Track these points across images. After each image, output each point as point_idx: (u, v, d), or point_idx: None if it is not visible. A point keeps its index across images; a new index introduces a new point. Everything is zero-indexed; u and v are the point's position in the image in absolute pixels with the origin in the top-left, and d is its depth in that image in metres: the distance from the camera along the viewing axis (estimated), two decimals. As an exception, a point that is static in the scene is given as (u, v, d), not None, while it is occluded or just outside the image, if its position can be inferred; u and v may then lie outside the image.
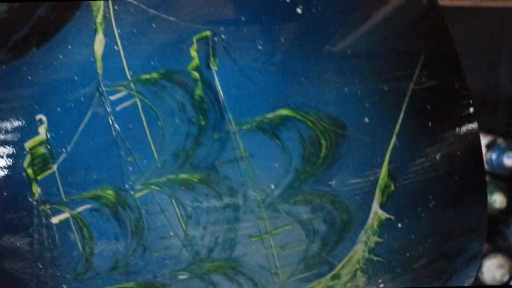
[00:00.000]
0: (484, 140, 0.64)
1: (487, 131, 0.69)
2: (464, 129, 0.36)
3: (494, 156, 0.61)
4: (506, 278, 0.55)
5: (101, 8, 0.35)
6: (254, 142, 0.35)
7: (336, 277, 0.38)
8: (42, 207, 0.36)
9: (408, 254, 0.38)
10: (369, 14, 0.36)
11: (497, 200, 0.57)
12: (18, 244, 0.37)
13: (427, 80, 0.35)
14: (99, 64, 0.34)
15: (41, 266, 0.37)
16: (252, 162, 0.35)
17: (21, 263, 0.37)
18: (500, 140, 0.60)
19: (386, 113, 0.35)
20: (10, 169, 0.36)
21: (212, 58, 0.34)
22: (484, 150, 0.58)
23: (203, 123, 0.34)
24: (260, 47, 0.34)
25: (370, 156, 0.35)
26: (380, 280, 0.39)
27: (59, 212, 0.37)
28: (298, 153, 0.35)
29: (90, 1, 0.35)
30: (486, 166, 0.62)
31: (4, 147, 0.36)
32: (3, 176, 0.36)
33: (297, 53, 0.34)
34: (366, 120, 0.35)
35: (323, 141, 0.35)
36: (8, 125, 0.36)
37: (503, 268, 0.57)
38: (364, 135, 0.35)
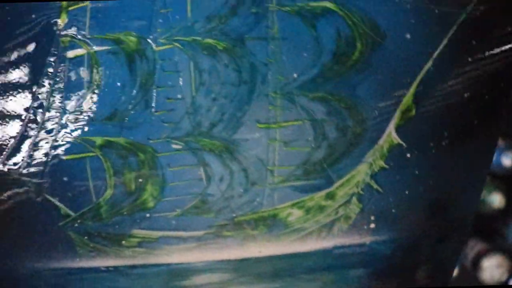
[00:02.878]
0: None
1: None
2: (501, 71, 0.35)
3: (493, 155, 0.59)
4: (505, 277, 0.56)
5: None
6: (289, 26, 0.33)
7: (331, 196, 0.36)
8: (63, 39, 0.35)
9: (407, 192, 0.37)
10: None
11: (496, 199, 0.57)
12: (29, 71, 0.35)
13: (481, 14, 0.34)
14: None
15: (44, 96, 0.36)
16: (281, 45, 0.33)
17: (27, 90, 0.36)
18: (499, 140, 0.59)
19: (430, 34, 0.33)
20: None
21: None
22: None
23: (244, -9, 0.33)
24: None
25: (402, 74, 0.34)
26: (372, 218, 0.38)
27: (75, 47, 0.35)
28: (330, 49, 0.33)
29: None
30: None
31: None
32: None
33: None
34: (408, 36, 0.33)
35: (358, 44, 0.33)
36: None
37: (502, 267, 0.57)
38: (402, 51, 0.33)
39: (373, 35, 0.33)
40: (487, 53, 0.34)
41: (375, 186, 0.36)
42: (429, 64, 0.34)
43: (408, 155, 0.35)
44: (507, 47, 0.34)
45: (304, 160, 0.35)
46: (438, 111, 0.35)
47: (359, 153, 0.35)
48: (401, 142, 0.35)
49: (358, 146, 0.35)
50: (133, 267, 0.39)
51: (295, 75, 0.33)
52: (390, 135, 0.35)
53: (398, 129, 0.35)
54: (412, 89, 0.34)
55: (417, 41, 0.33)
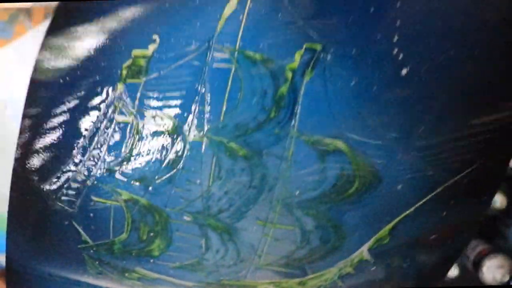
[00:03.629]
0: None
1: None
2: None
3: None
4: (507, 278, 0.56)
5: None
6: (302, 152, 0.39)
7: (303, 284, 0.44)
8: (116, 103, 0.41)
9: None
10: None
11: (497, 200, 0.57)
12: (84, 118, 0.42)
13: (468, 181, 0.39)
14: (221, 23, 0.37)
15: (87, 145, 0.42)
16: (292, 166, 0.39)
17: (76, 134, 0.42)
18: None
19: (417, 188, 0.39)
20: (110, 62, 0.40)
21: (309, 69, 0.37)
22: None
23: (272, 115, 0.38)
24: (353, 83, 0.37)
25: (384, 212, 0.40)
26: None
27: (125, 114, 0.41)
28: (332, 181, 0.39)
29: None
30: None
31: (114, 44, 0.40)
32: (101, 65, 0.41)
33: (381, 105, 0.37)
34: (399, 187, 0.39)
35: (356, 183, 0.39)
36: (127, 31, 0.40)
37: (503, 268, 0.57)
38: (391, 197, 0.39)
39: (372, 179, 0.39)
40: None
41: (340, 283, 0.43)
42: (411, 210, 0.40)
43: (373, 268, 0.42)
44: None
45: (288, 254, 0.42)
46: (410, 241, 0.42)
47: (333, 260, 0.42)
48: (370, 259, 0.42)
49: (334, 255, 0.42)
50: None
51: (297, 193, 0.40)
52: (362, 252, 0.41)
53: (370, 250, 0.41)
54: (390, 225, 0.40)
55: (406, 192, 0.39)
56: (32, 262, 0.47)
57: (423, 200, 0.39)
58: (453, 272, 0.58)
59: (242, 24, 0.37)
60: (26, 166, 0.44)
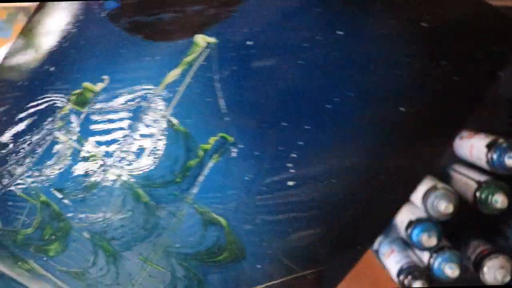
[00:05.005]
0: (485, 140, 0.61)
1: (488, 131, 0.64)
2: None
3: (495, 156, 0.59)
4: (508, 279, 0.56)
5: (195, 55, 0.46)
6: (191, 216, 0.47)
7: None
8: (59, 122, 0.49)
9: None
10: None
11: (499, 200, 0.57)
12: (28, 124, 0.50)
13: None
14: (161, 87, 0.46)
15: (27, 149, 0.50)
16: (179, 224, 0.47)
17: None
18: (501, 140, 0.59)
19: (273, 272, 0.48)
20: (65, 85, 0.49)
21: (217, 154, 0.46)
22: (485, 150, 0.60)
23: (178, 180, 0.46)
24: (246, 178, 0.46)
25: (242, 282, 0.48)
26: None
27: (64, 134, 0.49)
28: (207, 245, 0.47)
29: (195, 41, 0.46)
30: (487, 166, 0.61)
31: (72, 70, 0.49)
32: (56, 83, 0.49)
33: (262, 201, 0.46)
34: (259, 266, 0.48)
35: (225, 253, 0.47)
36: (87, 62, 0.49)
37: (504, 268, 0.57)
38: (250, 271, 0.48)
39: (238, 254, 0.47)
40: None
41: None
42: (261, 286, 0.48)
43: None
44: None
45: (156, 291, 0.50)
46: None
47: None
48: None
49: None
50: (14, 281, 0.53)
51: (177, 245, 0.48)
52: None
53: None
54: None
55: (263, 271, 0.48)
56: None
57: (274, 282, 0.47)
58: (454, 272, 0.59)
59: (178, 95, 0.46)
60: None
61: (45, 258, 0.52)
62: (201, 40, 0.45)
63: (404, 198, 0.48)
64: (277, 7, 0.44)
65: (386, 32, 0.43)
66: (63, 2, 0.52)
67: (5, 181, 0.51)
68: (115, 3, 0.48)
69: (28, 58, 0.51)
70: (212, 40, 0.45)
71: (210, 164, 0.46)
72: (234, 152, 0.45)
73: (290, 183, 0.45)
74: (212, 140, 0.46)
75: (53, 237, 0.51)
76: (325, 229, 0.46)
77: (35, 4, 0.57)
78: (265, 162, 0.45)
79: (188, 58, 0.46)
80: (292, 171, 0.45)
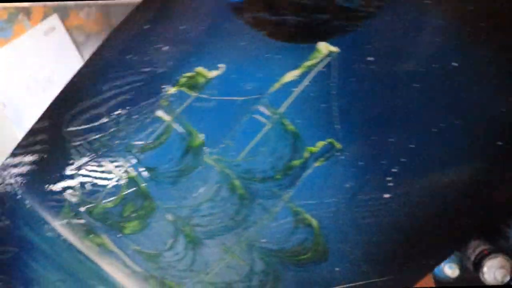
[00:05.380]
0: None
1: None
2: None
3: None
4: (507, 278, 0.55)
5: (316, 60, 0.47)
6: (284, 214, 0.48)
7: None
8: (162, 100, 0.49)
9: None
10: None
11: None
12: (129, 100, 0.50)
13: None
14: (277, 84, 0.47)
15: (123, 117, 0.50)
16: (270, 220, 0.48)
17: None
18: None
19: (350, 275, 0.49)
20: (176, 65, 0.49)
21: (322, 159, 0.47)
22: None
23: (278, 177, 0.47)
24: (347, 185, 0.47)
25: (317, 283, 0.49)
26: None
27: (166, 113, 0.49)
28: (292, 244, 0.48)
29: (318, 47, 0.47)
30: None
31: (187, 53, 0.49)
32: (168, 63, 0.49)
33: (359, 214, 0.48)
34: (337, 269, 0.49)
35: (309, 254, 0.48)
36: (203, 48, 0.49)
37: (504, 268, 0.57)
38: (328, 274, 0.49)
39: (321, 256, 0.48)
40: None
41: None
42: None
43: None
44: None
45: (229, 282, 0.50)
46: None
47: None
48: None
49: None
50: (80, 252, 0.52)
51: (263, 240, 0.49)
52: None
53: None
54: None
55: (341, 275, 0.49)
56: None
57: (347, 285, 0.49)
58: (454, 272, 0.59)
59: (294, 95, 0.47)
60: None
61: (119, 235, 0.51)
62: (324, 47, 0.47)
63: (487, 226, 0.51)
64: (401, 30, 0.47)
65: (496, 72, 0.47)
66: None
67: (95, 151, 0.51)
68: None
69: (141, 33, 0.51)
70: (334, 49, 0.47)
71: (313, 166, 0.47)
72: (339, 159, 0.47)
73: (386, 195, 0.47)
74: (320, 144, 0.47)
75: (134, 215, 0.50)
76: (407, 241, 0.49)
77: (35, 4, 0.57)
78: (367, 173, 0.47)
79: (309, 63, 0.47)
80: (390, 184, 0.47)
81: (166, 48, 0.50)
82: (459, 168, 0.47)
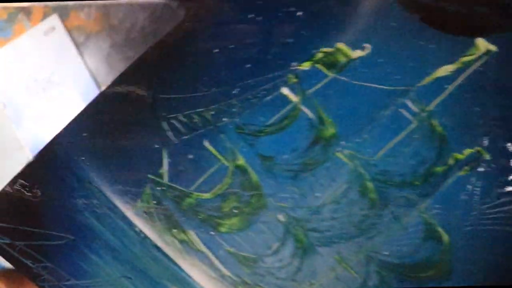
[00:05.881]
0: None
1: None
2: None
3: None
4: None
5: (473, 57, 0.41)
6: (415, 225, 0.42)
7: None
8: (291, 76, 0.41)
9: None
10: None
11: None
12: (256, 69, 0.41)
13: None
14: (429, 78, 0.41)
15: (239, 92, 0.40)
16: (399, 230, 0.42)
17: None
18: None
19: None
20: (311, 36, 0.40)
21: (468, 167, 0.41)
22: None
23: (417, 183, 0.41)
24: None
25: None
26: None
27: (293, 91, 0.41)
28: (417, 259, 0.43)
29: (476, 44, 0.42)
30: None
31: (326, 24, 0.41)
32: (301, 32, 0.40)
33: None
34: None
35: (434, 269, 0.43)
36: (346, 22, 0.41)
37: None
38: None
39: (444, 274, 0.44)
40: None
41: None
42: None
43: None
44: None
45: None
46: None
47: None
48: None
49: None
50: (157, 248, 0.42)
51: (385, 253, 0.43)
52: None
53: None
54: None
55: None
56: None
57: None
58: None
59: (446, 93, 0.41)
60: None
61: (212, 232, 0.42)
62: (482, 44, 0.42)
63: None
64: None
65: None
66: None
67: (194, 127, 0.40)
68: None
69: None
70: (493, 48, 0.42)
71: (456, 176, 0.42)
72: (484, 171, 0.42)
73: None
74: (467, 151, 0.42)
75: (236, 211, 0.41)
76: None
77: (35, 4, 0.57)
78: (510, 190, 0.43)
79: (466, 58, 0.41)
80: None
81: (300, 13, 0.41)
82: None
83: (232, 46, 0.41)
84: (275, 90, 0.41)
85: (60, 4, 0.58)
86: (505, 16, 0.42)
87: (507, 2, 0.42)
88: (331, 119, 0.41)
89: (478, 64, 0.42)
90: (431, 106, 0.41)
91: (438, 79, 0.41)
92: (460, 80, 0.41)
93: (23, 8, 0.59)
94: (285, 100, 0.41)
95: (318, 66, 0.41)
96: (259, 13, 0.41)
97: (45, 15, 0.57)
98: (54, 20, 0.57)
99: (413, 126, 0.41)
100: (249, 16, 0.41)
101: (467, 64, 0.41)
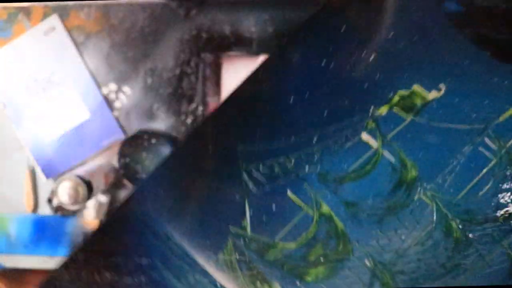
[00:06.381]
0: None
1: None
2: None
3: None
4: None
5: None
6: (500, 263, 0.42)
7: None
8: (370, 121, 0.41)
9: None
10: None
11: None
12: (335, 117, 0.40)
13: None
14: (507, 114, 0.41)
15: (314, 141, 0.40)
16: (486, 267, 0.42)
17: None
18: None
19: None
20: (387, 81, 0.40)
21: None
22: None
23: (500, 219, 0.42)
24: None
25: None
26: None
27: (373, 136, 0.41)
28: None
29: None
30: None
31: (398, 66, 0.41)
32: (375, 77, 0.41)
33: None
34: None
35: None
36: (419, 62, 0.41)
37: None
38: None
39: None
40: None
41: None
42: None
43: None
44: None
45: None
46: None
47: None
48: None
49: None
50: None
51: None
52: None
53: None
54: None
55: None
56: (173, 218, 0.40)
57: None
58: None
59: None
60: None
61: (298, 283, 0.41)
62: None
63: None
64: None
65: None
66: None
67: (275, 178, 0.40)
68: (457, 5, 0.42)
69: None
70: None
71: None
72: None
73: None
74: None
75: (322, 259, 0.41)
76: None
77: (35, 4, 0.58)
78: None
79: None
80: None
81: (372, 57, 0.41)
82: None
83: (308, 93, 0.41)
84: (354, 136, 0.41)
85: (60, 4, 0.58)
86: None
87: None
88: (412, 161, 0.41)
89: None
90: (510, 142, 0.41)
91: (515, 115, 0.42)
92: (536, 115, 0.42)
93: (23, 8, 0.59)
94: (365, 145, 0.41)
95: (395, 109, 0.41)
96: (332, 59, 0.41)
97: (45, 15, 0.57)
98: (54, 20, 0.57)
99: (493, 163, 0.41)
100: (322, 63, 0.41)
101: (542, 99, 0.42)
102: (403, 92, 0.41)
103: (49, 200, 0.51)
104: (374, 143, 0.41)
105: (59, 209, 0.50)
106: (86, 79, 0.54)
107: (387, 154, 0.41)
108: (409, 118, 0.41)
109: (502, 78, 0.42)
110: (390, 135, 0.41)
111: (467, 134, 0.41)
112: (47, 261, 0.49)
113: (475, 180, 0.41)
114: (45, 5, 0.58)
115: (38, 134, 0.55)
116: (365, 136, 0.41)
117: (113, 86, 0.53)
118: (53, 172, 0.53)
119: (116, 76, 0.53)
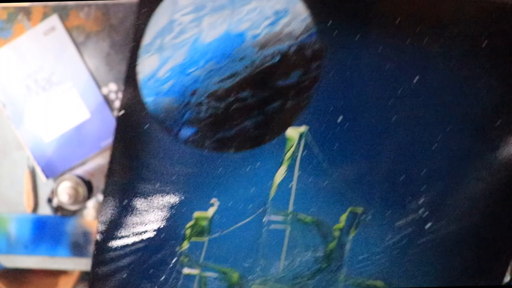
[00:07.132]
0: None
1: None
2: None
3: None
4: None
5: (293, 148, 0.46)
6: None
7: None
8: (182, 258, 0.49)
9: None
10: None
11: None
12: (151, 274, 0.49)
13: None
14: (273, 189, 0.46)
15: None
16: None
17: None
18: None
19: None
20: (175, 223, 0.48)
21: (353, 229, 0.48)
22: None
23: (324, 266, 0.48)
24: (389, 237, 0.46)
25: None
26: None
27: (191, 267, 0.50)
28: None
29: (288, 136, 0.45)
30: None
31: (178, 209, 0.49)
32: (168, 226, 0.49)
33: (412, 256, 0.46)
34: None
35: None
36: (186, 196, 0.49)
37: None
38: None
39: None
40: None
41: None
42: None
43: None
44: None
45: None
46: None
47: None
48: None
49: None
50: None
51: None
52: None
53: None
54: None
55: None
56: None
57: None
58: None
59: (293, 191, 0.46)
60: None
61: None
62: (293, 132, 0.45)
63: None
64: (350, 81, 0.46)
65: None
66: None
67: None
68: (190, 129, 0.48)
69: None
70: (303, 129, 0.45)
71: (350, 239, 0.48)
72: (367, 219, 0.47)
73: (427, 225, 0.46)
74: (343, 217, 0.47)
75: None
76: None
77: (35, 4, 0.59)
78: (399, 218, 0.46)
79: (289, 154, 0.46)
80: (426, 213, 0.46)
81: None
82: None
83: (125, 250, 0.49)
84: (179, 274, 0.49)
85: (60, 4, 0.57)
86: (297, 95, 0.46)
87: (288, 83, 0.46)
88: (229, 267, 0.49)
89: (301, 150, 0.47)
90: (291, 207, 0.48)
91: (281, 184, 0.48)
92: (296, 173, 0.47)
93: (23, 8, 0.57)
94: (190, 277, 0.49)
95: (193, 239, 0.50)
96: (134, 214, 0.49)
97: (45, 15, 0.57)
98: (54, 20, 0.57)
99: (288, 230, 0.49)
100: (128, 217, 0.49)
101: (293, 156, 0.47)
102: (189, 224, 0.49)
103: (49, 200, 0.45)
104: (195, 271, 0.49)
105: (59, 209, 0.45)
106: (86, 79, 0.53)
107: (208, 274, 0.49)
108: (205, 238, 0.49)
109: (253, 163, 0.48)
110: (201, 259, 0.49)
111: (254, 222, 0.48)
112: (47, 261, 0.44)
113: (284, 252, 0.49)
114: (45, 5, 0.57)
115: (38, 134, 0.53)
116: (186, 270, 0.49)
117: (113, 86, 0.50)
118: (53, 172, 0.50)
119: (116, 76, 0.50)
